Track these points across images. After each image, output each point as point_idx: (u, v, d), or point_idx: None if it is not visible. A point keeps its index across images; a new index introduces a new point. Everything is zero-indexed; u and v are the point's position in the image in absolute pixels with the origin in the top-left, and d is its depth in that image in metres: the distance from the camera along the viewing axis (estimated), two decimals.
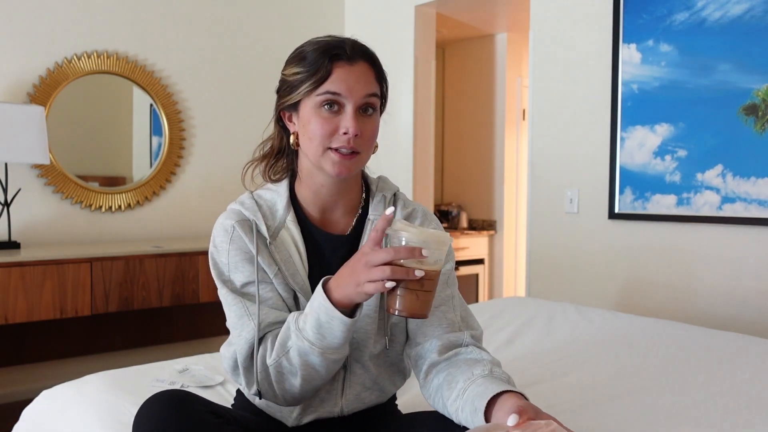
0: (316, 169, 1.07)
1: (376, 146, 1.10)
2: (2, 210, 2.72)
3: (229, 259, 1.07)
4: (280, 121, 1.13)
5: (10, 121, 2.60)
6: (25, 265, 2.45)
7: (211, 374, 1.59)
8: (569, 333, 2.02)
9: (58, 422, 1.39)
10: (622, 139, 2.71)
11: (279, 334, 1.01)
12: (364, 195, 1.16)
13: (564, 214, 2.95)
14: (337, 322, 0.94)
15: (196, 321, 3.35)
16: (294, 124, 1.09)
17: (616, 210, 2.73)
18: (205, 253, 2.91)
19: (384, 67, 1.10)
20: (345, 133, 1.01)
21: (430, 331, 1.08)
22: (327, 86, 1.01)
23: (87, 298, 2.60)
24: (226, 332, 1.10)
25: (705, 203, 2.46)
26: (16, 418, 1.52)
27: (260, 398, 1.03)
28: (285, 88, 1.08)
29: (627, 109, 2.69)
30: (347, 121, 1.01)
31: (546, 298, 2.97)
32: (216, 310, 3.46)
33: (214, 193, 3.49)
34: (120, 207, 3.16)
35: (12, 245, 2.70)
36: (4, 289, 2.40)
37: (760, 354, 1.77)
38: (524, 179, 4.62)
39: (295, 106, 1.07)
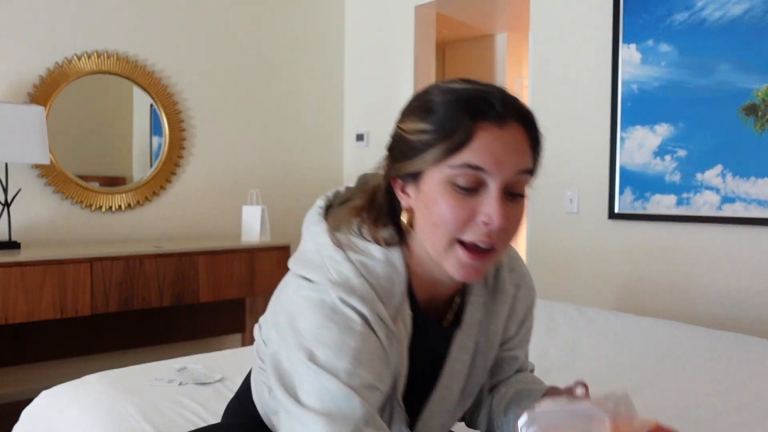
0: (430, 262, 0.81)
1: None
2: (2, 210, 2.72)
3: (363, 346, 0.76)
4: (388, 187, 0.84)
5: (10, 121, 2.60)
6: (25, 265, 2.45)
7: (209, 372, 1.59)
8: (569, 333, 2.02)
9: (58, 422, 1.39)
10: (622, 139, 2.71)
11: None
12: None
13: (564, 214, 2.95)
14: None
15: (196, 321, 3.35)
16: (409, 197, 0.80)
17: (616, 210, 2.73)
18: (205, 253, 2.91)
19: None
20: (486, 223, 0.74)
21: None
22: (466, 156, 0.73)
23: (87, 298, 2.60)
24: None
25: (705, 203, 2.46)
26: (16, 418, 1.52)
27: None
28: (402, 150, 0.78)
29: (627, 109, 2.69)
30: (490, 206, 0.74)
31: (546, 298, 2.97)
32: (216, 310, 3.47)
33: (214, 193, 3.49)
34: (120, 207, 3.16)
35: (12, 245, 2.70)
36: (4, 289, 2.41)
37: (760, 354, 1.77)
38: None
39: (414, 176, 0.78)
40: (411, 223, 0.81)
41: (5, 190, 2.71)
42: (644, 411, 1.33)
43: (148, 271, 2.76)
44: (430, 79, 3.80)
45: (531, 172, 0.78)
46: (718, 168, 2.42)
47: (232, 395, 1.25)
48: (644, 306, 2.65)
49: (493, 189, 0.74)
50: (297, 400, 0.75)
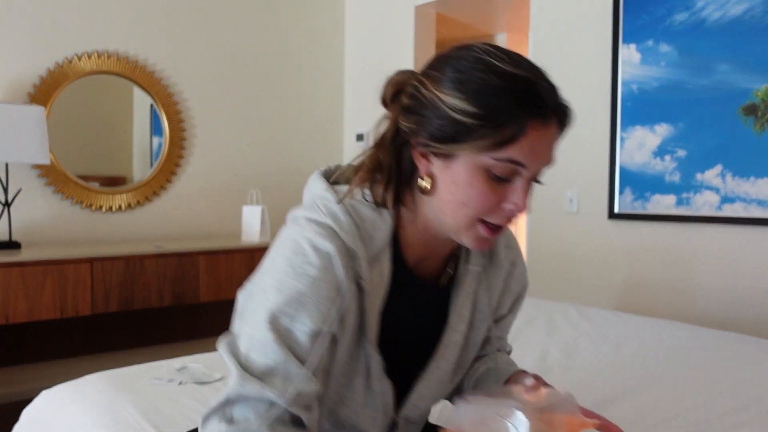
0: (441, 227, 0.82)
1: None
2: (3, 210, 2.72)
3: (312, 290, 0.76)
4: (402, 146, 0.81)
5: (10, 121, 2.60)
6: (25, 265, 2.45)
7: (209, 372, 1.59)
8: (569, 333, 2.02)
9: (58, 422, 1.39)
10: (621, 139, 2.71)
11: None
12: None
13: (564, 214, 2.95)
14: None
15: (196, 321, 3.35)
16: (431, 164, 0.79)
17: (616, 210, 2.73)
18: (205, 253, 2.92)
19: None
20: (512, 210, 0.77)
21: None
22: (512, 152, 0.74)
23: (87, 298, 2.60)
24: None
25: (705, 203, 2.46)
26: (16, 418, 1.52)
27: None
28: (436, 122, 0.75)
29: (627, 109, 2.69)
30: (518, 195, 0.77)
31: (546, 298, 2.97)
32: (216, 310, 3.47)
33: (214, 193, 3.49)
34: (120, 207, 3.16)
35: (12, 245, 2.70)
36: (4, 289, 2.41)
37: (760, 354, 1.77)
38: None
39: (447, 154, 0.77)
40: (431, 191, 0.80)
41: (5, 190, 2.71)
42: (644, 412, 1.33)
43: (148, 271, 2.76)
44: None
45: None
46: (718, 168, 2.42)
47: None
48: (644, 306, 2.65)
49: (524, 181, 0.77)
50: (237, 347, 0.78)
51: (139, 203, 3.22)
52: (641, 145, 2.65)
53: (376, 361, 0.84)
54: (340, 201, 0.81)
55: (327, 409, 0.88)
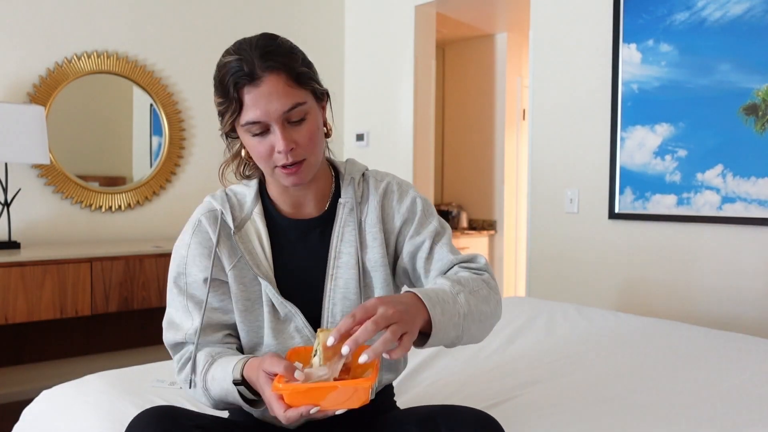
0: (270, 179, 1.10)
1: (329, 132, 1.10)
2: (2, 210, 2.72)
3: (188, 251, 1.08)
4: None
5: (10, 121, 2.60)
6: (25, 265, 2.45)
7: None
8: (569, 333, 2.02)
9: (58, 422, 1.38)
10: (622, 139, 2.71)
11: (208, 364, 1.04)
12: (334, 179, 1.16)
13: (564, 214, 2.95)
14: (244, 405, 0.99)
15: None
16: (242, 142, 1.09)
17: (616, 210, 2.73)
18: None
19: (300, 50, 1.04)
20: (279, 152, 0.99)
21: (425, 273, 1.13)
22: (244, 116, 0.99)
23: (87, 298, 2.60)
24: None
25: (705, 203, 2.46)
26: (16, 418, 1.52)
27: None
28: (218, 115, 1.06)
29: (627, 109, 2.69)
30: (276, 140, 0.99)
31: (546, 298, 2.97)
32: None
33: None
34: (120, 207, 3.16)
35: (12, 245, 2.70)
36: (4, 289, 2.40)
37: (760, 354, 1.77)
38: (524, 179, 4.62)
39: (233, 131, 1.06)
40: (250, 157, 1.08)
41: (5, 190, 2.71)
42: (644, 412, 1.33)
43: (148, 271, 2.76)
44: (430, 78, 3.81)
45: (299, 104, 0.99)
46: (719, 168, 2.42)
47: None
48: (644, 306, 2.65)
49: (275, 128, 0.99)
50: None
51: (138, 203, 3.22)
52: (641, 145, 2.65)
53: (270, 290, 1.06)
54: (225, 187, 1.15)
55: (255, 345, 1.10)
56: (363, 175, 1.17)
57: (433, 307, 0.92)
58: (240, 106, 0.99)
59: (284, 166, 1.01)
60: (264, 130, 0.99)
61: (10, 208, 2.77)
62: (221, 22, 3.51)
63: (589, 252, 2.85)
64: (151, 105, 3.27)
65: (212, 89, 1.11)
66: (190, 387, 1.05)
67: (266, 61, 0.97)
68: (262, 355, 0.96)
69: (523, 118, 4.69)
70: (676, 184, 2.54)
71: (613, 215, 2.75)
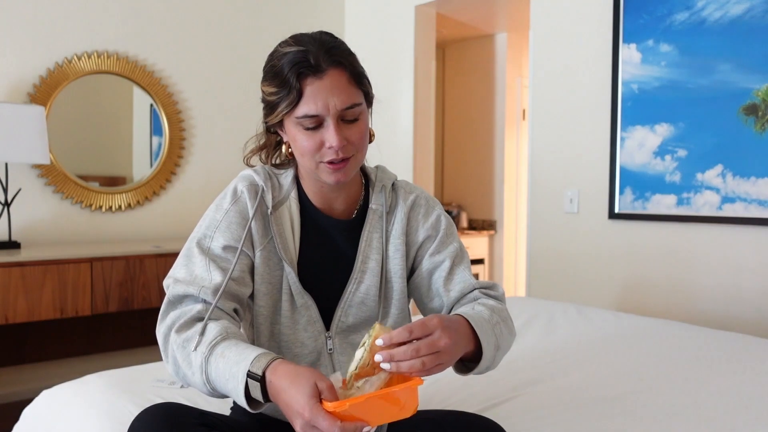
0: (309, 174, 1.08)
1: (373, 136, 1.10)
2: (2, 210, 2.72)
3: (224, 216, 1.06)
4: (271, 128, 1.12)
5: (10, 121, 2.60)
6: (25, 265, 2.45)
7: None
8: (569, 333, 2.02)
9: (58, 422, 1.39)
10: (622, 139, 2.71)
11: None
12: (363, 185, 1.17)
13: (564, 214, 2.95)
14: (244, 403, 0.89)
15: None
16: (284, 134, 1.08)
17: (616, 210, 2.73)
18: None
19: (361, 62, 1.04)
20: (330, 147, 0.99)
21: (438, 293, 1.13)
22: (302, 108, 0.98)
23: (87, 298, 2.60)
24: None
25: (705, 203, 2.46)
26: (16, 418, 1.52)
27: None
28: (266, 106, 1.05)
29: (627, 109, 2.69)
30: (330, 135, 0.98)
31: (546, 298, 2.97)
32: None
33: (214, 193, 3.47)
34: (120, 207, 3.16)
35: (12, 245, 2.70)
36: (4, 289, 2.40)
37: (760, 354, 1.78)
38: (524, 179, 4.62)
39: (279, 124, 1.06)
40: (291, 153, 1.08)
41: (5, 190, 2.71)
42: (644, 412, 1.33)
43: (148, 271, 2.76)
44: (430, 79, 3.81)
45: (357, 104, 1.00)
46: (719, 168, 2.42)
47: (232, 402, 1.25)
48: (644, 306, 2.65)
49: (329, 123, 0.98)
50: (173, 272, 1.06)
51: (138, 203, 3.22)
52: (641, 145, 2.65)
53: (292, 277, 1.07)
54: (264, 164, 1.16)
55: (267, 331, 1.09)
56: (393, 184, 1.18)
57: (487, 347, 0.96)
58: (299, 98, 0.98)
59: (331, 162, 1.01)
60: (317, 124, 0.99)
61: (11, 208, 2.77)
62: (221, 22, 3.51)
63: (589, 252, 2.85)
64: (151, 105, 3.27)
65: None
66: (186, 349, 0.95)
67: (332, 56, 0.98)
68: (297, 366, 0.87)
69: (523, 118, 4.69)
70: (676, 184, 2.54)
71: (613, 215, 2.75)
